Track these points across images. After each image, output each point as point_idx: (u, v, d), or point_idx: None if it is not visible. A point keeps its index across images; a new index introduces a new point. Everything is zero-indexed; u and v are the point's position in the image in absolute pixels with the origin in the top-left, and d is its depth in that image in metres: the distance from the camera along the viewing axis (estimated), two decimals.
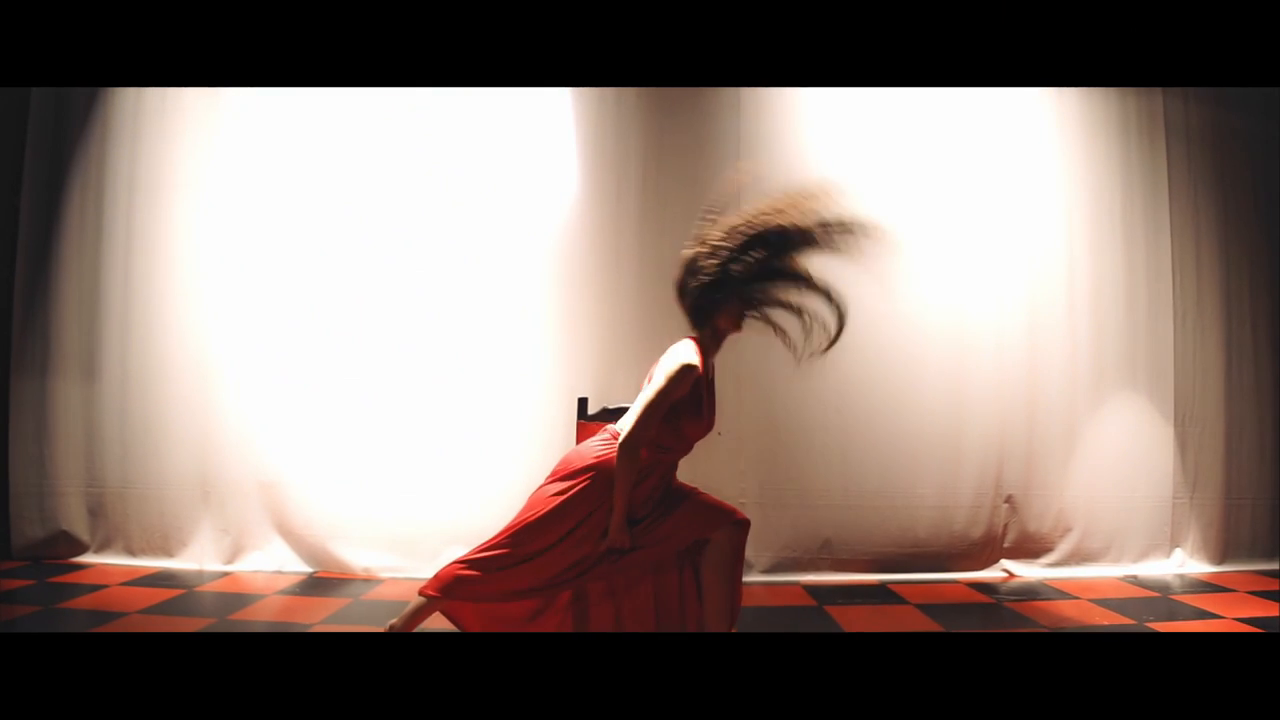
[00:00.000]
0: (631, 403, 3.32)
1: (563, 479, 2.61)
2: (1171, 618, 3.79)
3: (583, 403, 3.26)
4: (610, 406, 3.26)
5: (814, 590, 4.26)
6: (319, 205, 4.56)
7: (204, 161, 4.64)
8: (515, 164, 4.51)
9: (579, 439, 3.24)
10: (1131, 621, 3.70)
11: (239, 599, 4.02)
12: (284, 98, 4.61)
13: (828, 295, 2.51)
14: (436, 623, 2.65)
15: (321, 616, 3.74)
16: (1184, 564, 4.63)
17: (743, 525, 2.63)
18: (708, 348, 2.64)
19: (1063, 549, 4.60)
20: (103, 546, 4.69)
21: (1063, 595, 4.17)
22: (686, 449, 2.68)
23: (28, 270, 4.72)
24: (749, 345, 4.46)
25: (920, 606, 3.97)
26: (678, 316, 4.46)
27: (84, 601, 3.91)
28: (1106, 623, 3.71)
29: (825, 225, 2.50)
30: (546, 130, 4.51)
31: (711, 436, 4.39)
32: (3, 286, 4.76)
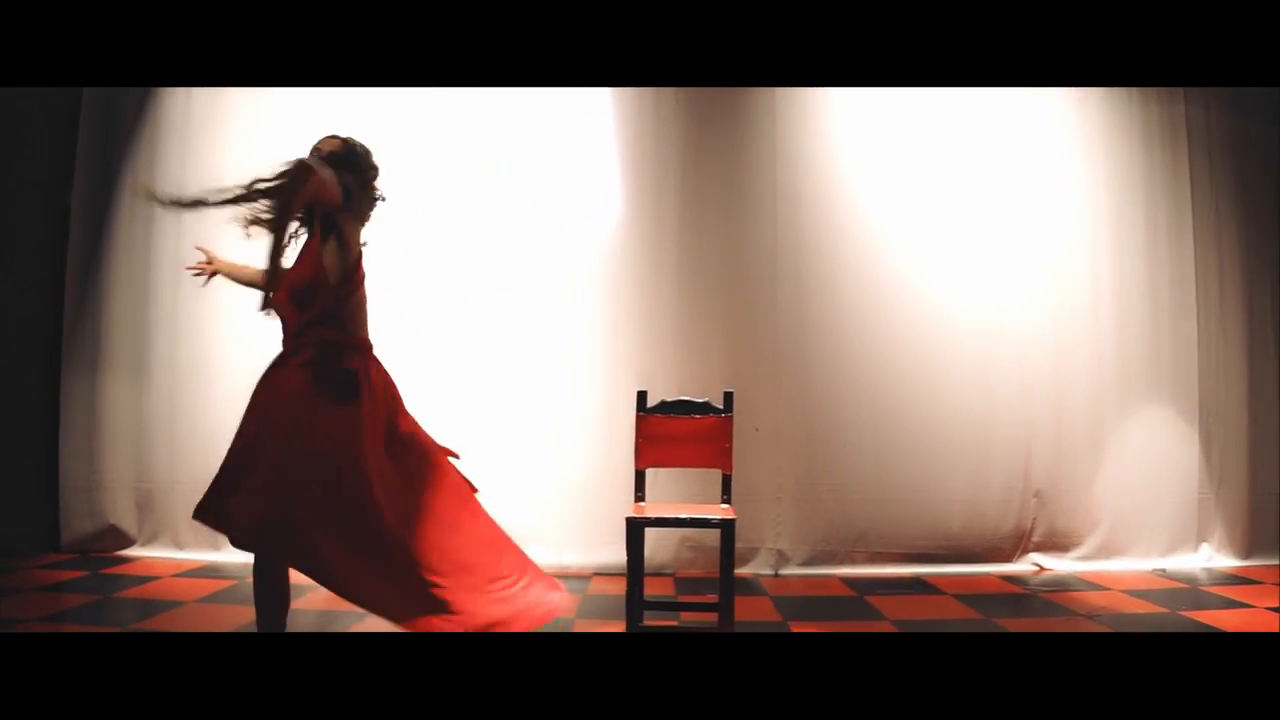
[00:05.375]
0: (679, 396, 3.43)
1: None
2: (1200, 608, 3.89)
3: (642, 395, 3.37)
4: (669, 399, 3.38)
5: (851, 582, 4.37)
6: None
7: (252, 161, 4.71)
8: (559, 168, 4.63)
9: (639, 431, 3.35)
10: (1165, 610, 3.81)
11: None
12: (328, 98, 4.66)
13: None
14: None
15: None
16: (1211, 558, 4.73)
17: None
18: None
19: (1091, 543, 4.70)
20: (150, 540, 4.78)
21: (1094, 587, 4.28)
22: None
23: (79, 270, 4.83)
24: (786, 344, 4.61)
25: (958, 597, 4.07)
26: (717, 313, 4.61)
27: (139, 591, 4.02)
28: (1140, 611, 3.81)
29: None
30: (588, 135, 4.63)
31: (749, 432, 4.51)
32: (54, 286, 4.86)
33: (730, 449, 3.32)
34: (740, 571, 4.51)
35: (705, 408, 3.35)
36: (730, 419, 3.33)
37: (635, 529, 3.12)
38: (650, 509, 3.30)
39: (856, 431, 4.58)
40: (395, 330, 4.57)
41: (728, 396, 3.35)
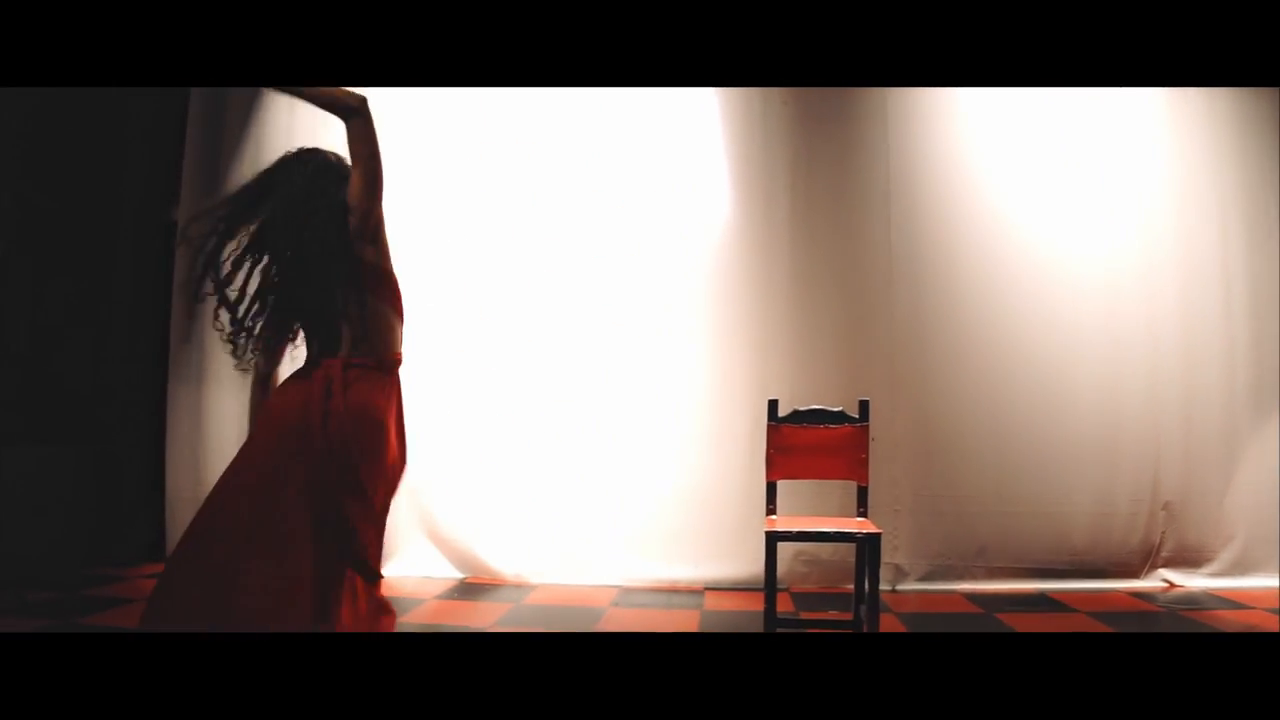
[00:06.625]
0: (795, 406, 3.27)
1: None
2: None
3: (773, 404, 3.26)
4: (801, 408, 3.26)
5: (974, 598, 4.19)
6: (466, 209, 4.60)
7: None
8: (667, 172, 4.54)
9: (770, 442, 3.24)
10: None
11: (397, 603, 4.06)
12: (428, 101, 4.60)
13: None
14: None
15: (490, 620, 3.77)
16: None
17: None
18: None
19: (1225, 558, 4.46)
20: None
21: (1231, 605, 4.05)
22: None
23: (185, 282, 4.86)
24: (902, 350, 4.46)
25: (1092, 614, 3.88)
26: (831, 320, 4.48)
27: None
28: None
29: None
30: (695, 137, 4.54)
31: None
32: (161, 298, 4.90)
33: (866, 460, 3.20)
34: (852, 587, 4.35)
35: (840, 417, 3.22)
36: (866, 428, 3.20)
37: (771, 543, 2.99)
38: (781, 522, 3.17)
39: (976, 441, 4.41)
40: (500, 337, 4.56)
41: (863, 405, 3.22)
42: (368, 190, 2.28)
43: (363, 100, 2.29)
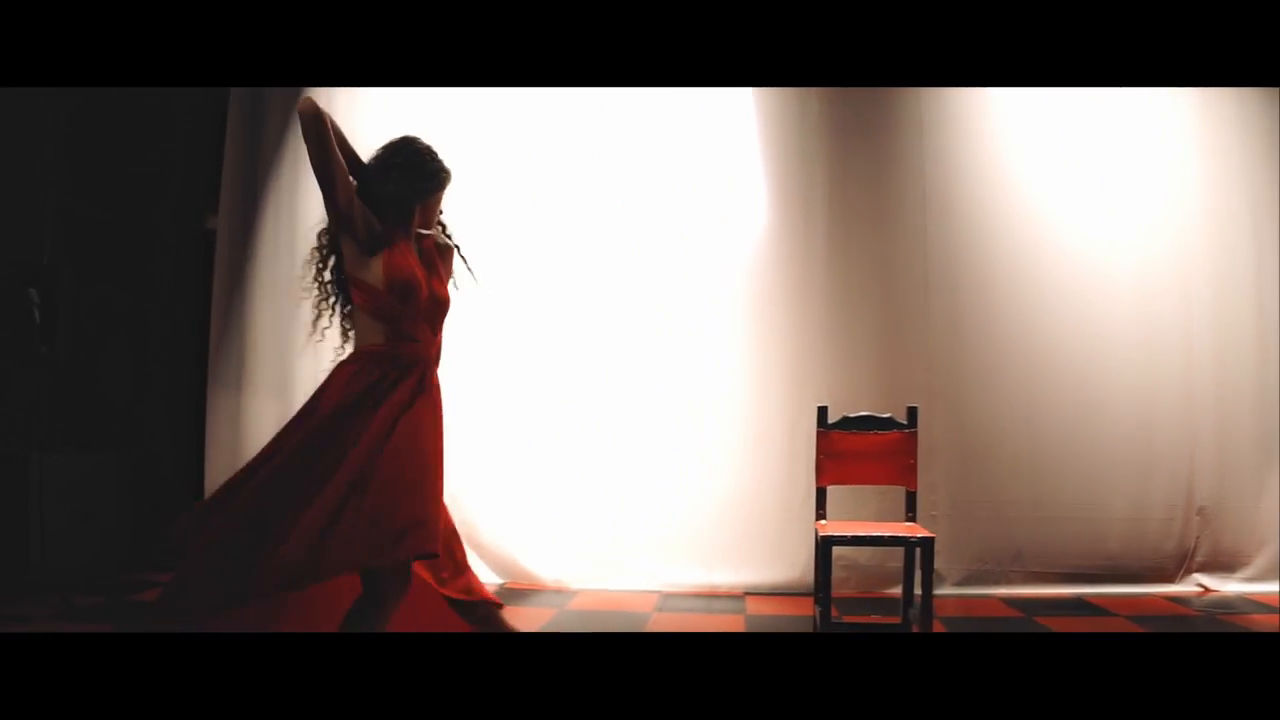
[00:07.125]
0: (834, 412, 3.32)
1: None
2: None
3: (823, 411, 3.31)
4: (851, 414, 3.31)
5: (1012, 602, 4.22)
6: (503, 216, 4.62)
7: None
8: (703, 177, 4.57)
9: (819, 448, 3.28)
10: None
11: None
12: (464, 101, 4.61)
13: None
14: None
15: (537, 625, 3.81)
16: None
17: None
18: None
19: (1259, 563, 4.48)
20: None
21: (1267, 610, 4.07)
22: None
23: (224, 291, 4.91)
24: (939, 356, 4.50)
25: (1131, 618, 3.91)
26: (869, 326, 4.51)
27: None
28: None
29: None
30: (735, 148, 4.59)
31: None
32: (201, 306, 4.96)
33: (915, 465, 3.24)
34: (889, 592, 4.39)
35: (889, 423, 3.27)
36: (914, 435, 3.25)
37: (826, 547, 3.03)
38: (833, 527, 3.21)
39: (1013, 447, 4.44)
40: (535, 343, 4.59)
41: (911, 411, 3.27)
42: (321, 193, 2.28)
43: (302, 107, 2.20)
